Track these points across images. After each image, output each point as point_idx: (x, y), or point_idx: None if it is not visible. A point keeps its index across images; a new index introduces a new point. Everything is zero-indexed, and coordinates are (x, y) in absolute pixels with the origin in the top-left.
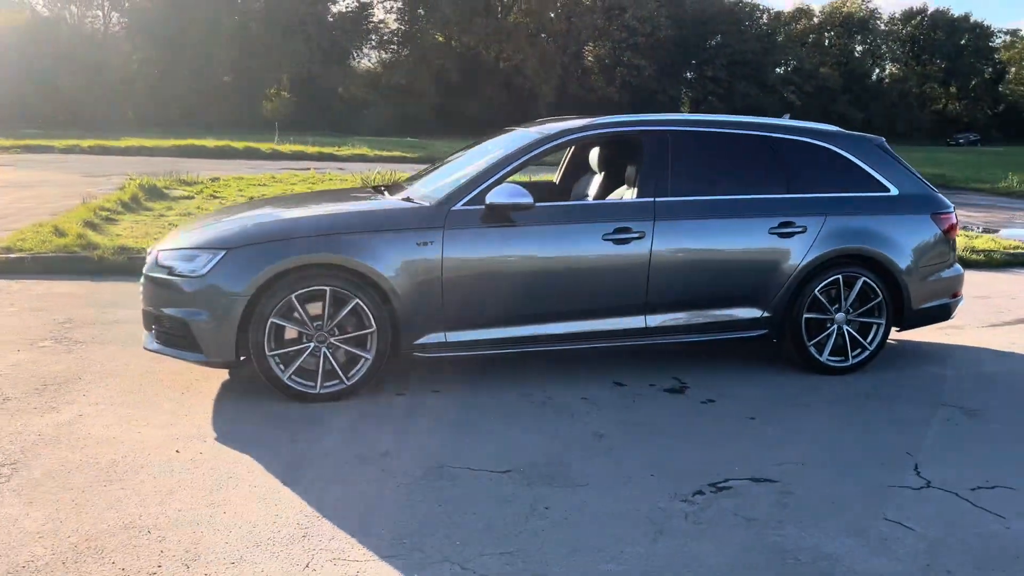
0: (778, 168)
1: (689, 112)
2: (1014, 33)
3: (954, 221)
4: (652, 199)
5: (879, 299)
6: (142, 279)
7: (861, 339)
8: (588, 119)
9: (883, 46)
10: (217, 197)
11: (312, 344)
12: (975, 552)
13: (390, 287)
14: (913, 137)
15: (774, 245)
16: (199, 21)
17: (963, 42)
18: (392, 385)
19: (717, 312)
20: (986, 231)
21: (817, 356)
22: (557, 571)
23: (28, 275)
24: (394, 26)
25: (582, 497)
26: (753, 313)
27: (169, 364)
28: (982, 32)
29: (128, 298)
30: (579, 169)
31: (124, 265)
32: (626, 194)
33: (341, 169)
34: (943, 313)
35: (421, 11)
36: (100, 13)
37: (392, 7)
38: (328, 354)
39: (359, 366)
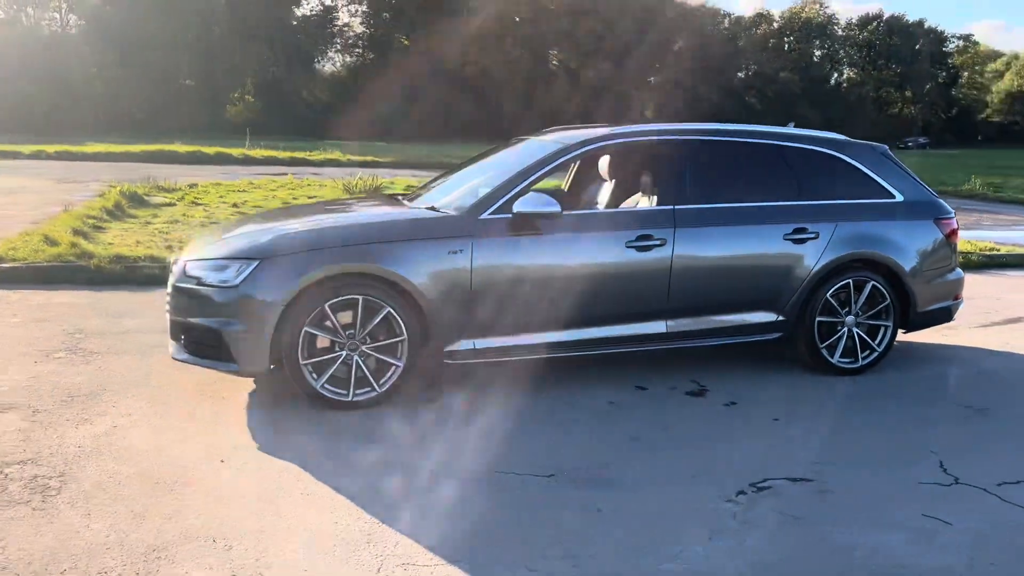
0: (789, 176)
1: (653, 117)
2: (967, 39)
3: (955, 226)
4: (672, 207)
5: (887, 302)
6: (169, 290)
7: (870, 341)
8: (606, 128)
9: (841, 51)
10: (199, 204)
11: (344, 352)
12: (1015, 545)
13: (421, 295)
14: (871, 140)
15: (788, 251)
16: (159, 24)
17: (917, 47)
18: (420, 393)
19: (734, 316)
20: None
21: (829, 358)
22: (620, 571)
23: (23, 285)
24: (359, 30)
25: (631, 499)
26: (768, 317)
27: (192, 374)
28: (936, 38)
29: (134, 308)
30: (588, 176)
31: (122, 274)
32: (641, 201)
33: (317, 174)
34: (946, 315)
35: (386, 15)
36: (58, 16)
37: (357, 11)
38: (360, 362)
39: (390, 374)
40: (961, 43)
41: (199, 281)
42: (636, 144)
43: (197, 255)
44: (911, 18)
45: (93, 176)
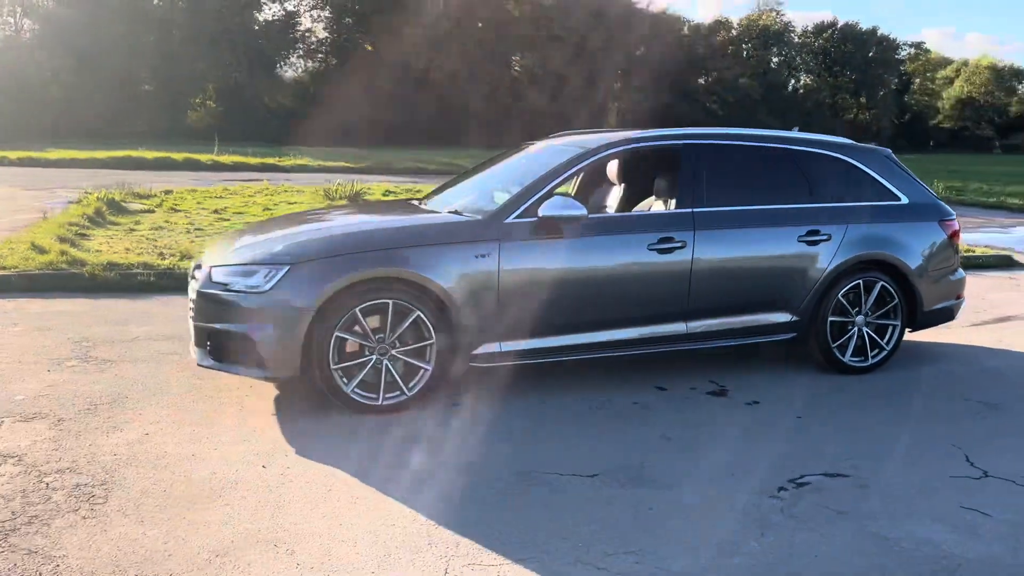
0: (801, 179)
1: (616, 123)
2: (918, 46)
3: (957, 227)
4: (691, 210)
5: (895, 302)
6: (193, 296)
7: (879, 340)
8: (624, 132)
9: (798, 58)
10: (179, 210)
11: (374, 357)
12: None
13: (449, 299)
14: None
15: (803, 252)
16: (117, 29)
17: (871, 54)
18: (447, 396)
19: (751, 317)
20: None
21: (840, 357)
22: (684, 567)
23: (16, 293)
24: (322, 35)
25: (677, 497)
26: (783, 317)
27: (212, 381)
28: (888, 45)
29: (135, 315)
30: (596, 180)
31: (117, 282)
32: (655, 205)
33: (290, 180)
34: (949, 314)
35: (349, 20)
36: (12, 20)
37: (319, 16)
38: (389, 366)
39: (419, 377)
40: (913, 50)
41: (226, 287)
42: (656, 148)
43: (223, 261)
44: (864, 26)
45: (60, 183)
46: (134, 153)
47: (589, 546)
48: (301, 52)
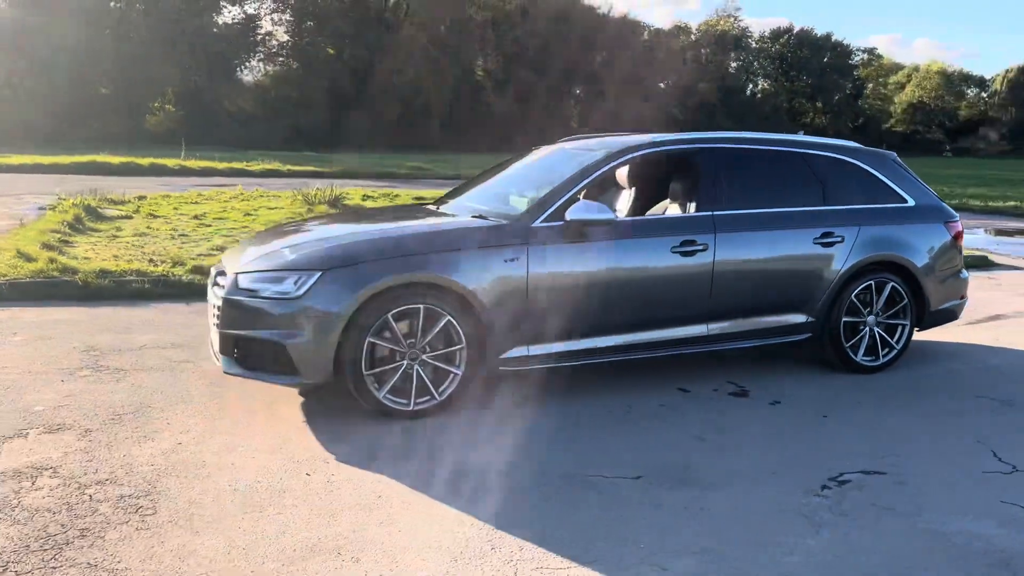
0: (814, 182)
1: (578, 127)
2: (870, 52)
3: (960, 229)
4: (710, 212)
5: (904, 302)
6: (218, 303)
7: (889, 339)
8: (646, 136)
9: (755, 63)
10: (157, 216)
11: (405, 362)
12: None
13: (479, 303)
14: None
15: (818, 254)
16: (71, 31)
17: (826, 60)
18: (474, 400)
19: (768, 318)
20: None
21: (853, 357)
22: (750, 566)
23: (7, 302)
24: (283, 38)
25: (723, 497)
26: (799, 318)
27: (233, 388)
28: (843, 51)
29: (137, 323)
30: (606, 184)
31: (111, 289)
32: (670, 208)
33: (261, 185)
34: (954, 314)
35: (310, 23)
36: None
37: (280, 19)
38: (420, 371)
39: (448, 381)
40: (865, 56)
41: (254, 293)
42: (675, 152)
43: (249, 267)
44: (819, 32)
45: (26, 188)
46: (99, 158)
47: (650, 547)
48: (262, 56)
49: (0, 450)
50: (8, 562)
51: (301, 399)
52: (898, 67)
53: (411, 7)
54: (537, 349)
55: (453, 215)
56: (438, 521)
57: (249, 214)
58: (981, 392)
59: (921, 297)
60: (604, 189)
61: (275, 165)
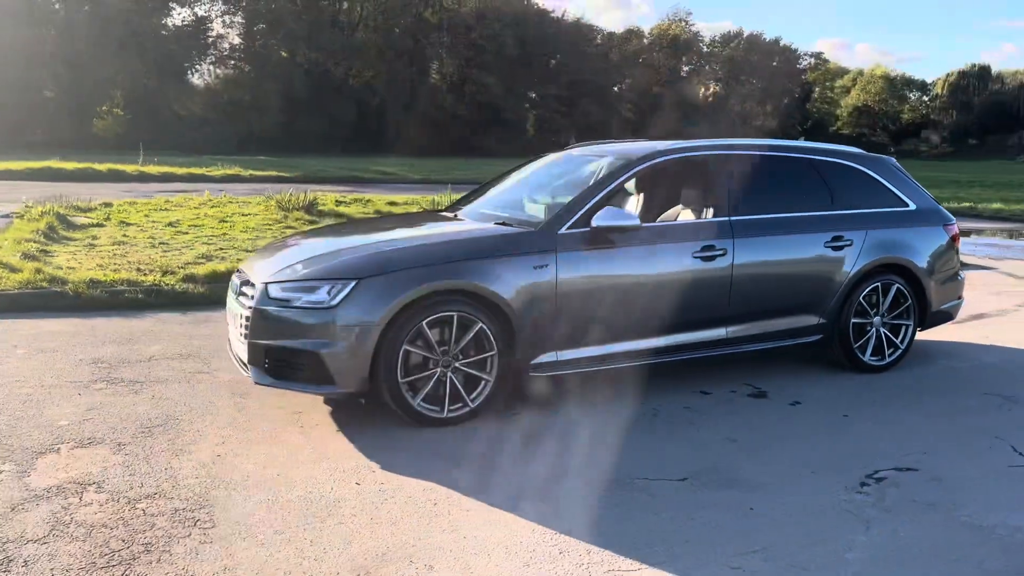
0: (822, 187)
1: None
2: (817, 56)
3: (957, 231)
4: (728, 218)
5: (908, 303)
6: (247, 313)
7: (894, 339)
8: (659, 143)
9: (706, 66)
10: (130, 224)
11: (439, 369)
12: None
13: (511, 310)
14: None
15: (829, 257)
16: (14, 32)
17: (775, 64)
18: (501, 408)
19: (783, 320)
20: None
21: (861, 357)
22: (814, 563)
23: None
24: (236, 41)
25: (770, 496)
26: (811, 320)
27: (255, 398)
28: (791, 55)
29: (140, 334)
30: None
31: (104, 300)
32: (683, 214)
33: (224, 191)
34: (952, 314)
35: (263, 26)
36: None
37: (231, 21)
38: (453, 378)
39: (480, 388)
40: (813, 60)
41: (287, 303)
42: (696, 158)
43: (279, 277)
44: (768, 36)
45: None
46: (53, 164)
47: (712, 547)
48: (213, 59)
49: (35, 466)
50: None
51: (327, 408)
52: (844, 71)
53: (365, 10)
54: (565, 355)
55: (474, 222)
56: (502, 527)
57: (225, 220)
58: (983, 388)
59: (923, 298)
60: (614, 193)
61: (236, 170)
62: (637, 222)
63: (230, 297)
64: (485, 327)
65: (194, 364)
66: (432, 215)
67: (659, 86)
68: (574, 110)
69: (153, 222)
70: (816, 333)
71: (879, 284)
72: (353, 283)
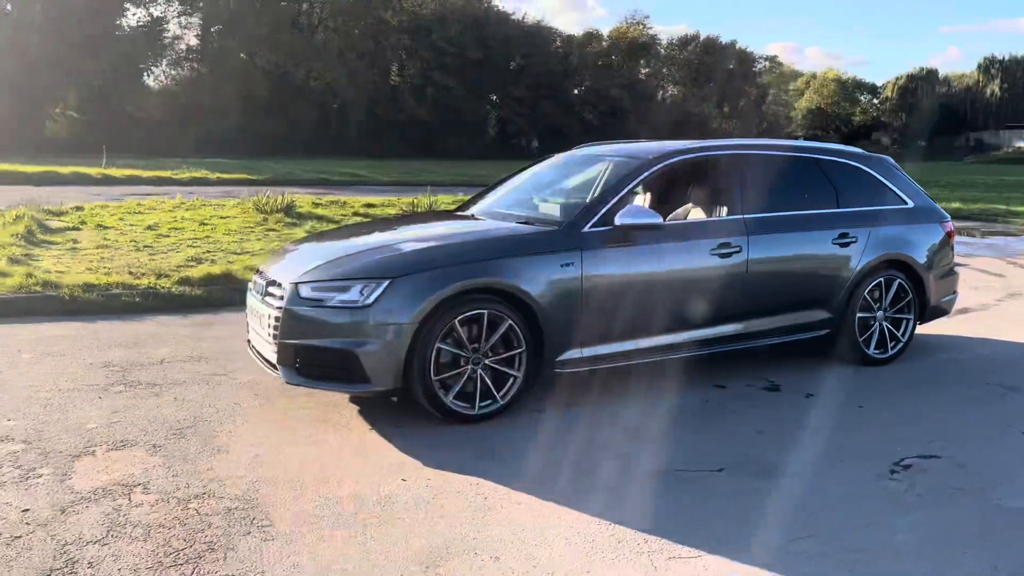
0: (828, 186)
1: (495, 133)
2: (772, 59)
3: (952, 228)
4: (741, 216)
5: (909, 298)
6: (276, 314)
7: (896, 332)
8: (669, 143)
9: (664, 69)
10: (107, 227)
11: (470, 367)
12: None
13: (538, 307)
14: None
15: (836, 254)
16: None
17: (731, 67)
18: (527, 403)
19: (794, 315)
20: None
21: (866, 350)
22: (867, 545)
23: None
24: (193, 42)
25: (807, 484)
26: (820, 315)
27: (279, 397)
28: (746, 58)
29: (143, 337)
30: None
31: (100, 303)
32: (693, 212)
33: (194, 194)
34: (947, 308)
35: (220, 26)
36: None
37: (188, 22)
38: (483, 375)
39: (509, 385)
40: (767, 63)
41: (319, 303)
42: (707, 158)
43: (309, 276)
44: (724, 39)
45: None
46: (11, 167)
47: (766, 533)
48: (170, 60)
49: (73, 468)
50: None
51: (354, 407)
52: (797, 74)
53: (325, 11)
54: (590, 351)
55: (494, 221)
56: (555, 518)
57: (205, 223)
58: (983, 379)
59: (923, 293)
60: (631, 194)
61: (203, 173)
62: (660, 220)
63: (253, 299)
64: (514, 324)
65: (208, 367)
66: (447, 215)
67: (618, 88)
68: (535, 112)
69: (131, 225)
70: (825, 327)
71: (882, 279)
72: (387, 283)
